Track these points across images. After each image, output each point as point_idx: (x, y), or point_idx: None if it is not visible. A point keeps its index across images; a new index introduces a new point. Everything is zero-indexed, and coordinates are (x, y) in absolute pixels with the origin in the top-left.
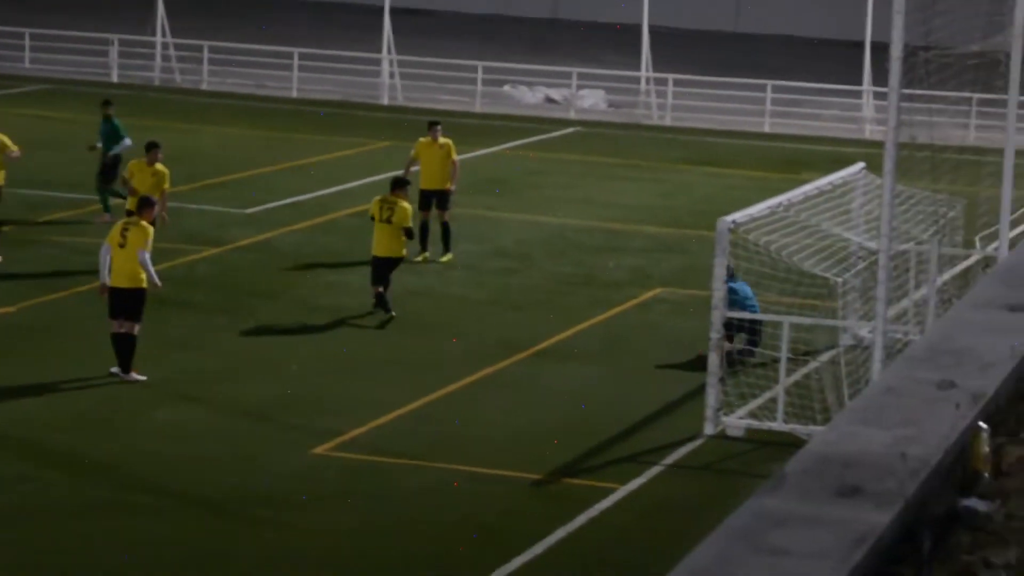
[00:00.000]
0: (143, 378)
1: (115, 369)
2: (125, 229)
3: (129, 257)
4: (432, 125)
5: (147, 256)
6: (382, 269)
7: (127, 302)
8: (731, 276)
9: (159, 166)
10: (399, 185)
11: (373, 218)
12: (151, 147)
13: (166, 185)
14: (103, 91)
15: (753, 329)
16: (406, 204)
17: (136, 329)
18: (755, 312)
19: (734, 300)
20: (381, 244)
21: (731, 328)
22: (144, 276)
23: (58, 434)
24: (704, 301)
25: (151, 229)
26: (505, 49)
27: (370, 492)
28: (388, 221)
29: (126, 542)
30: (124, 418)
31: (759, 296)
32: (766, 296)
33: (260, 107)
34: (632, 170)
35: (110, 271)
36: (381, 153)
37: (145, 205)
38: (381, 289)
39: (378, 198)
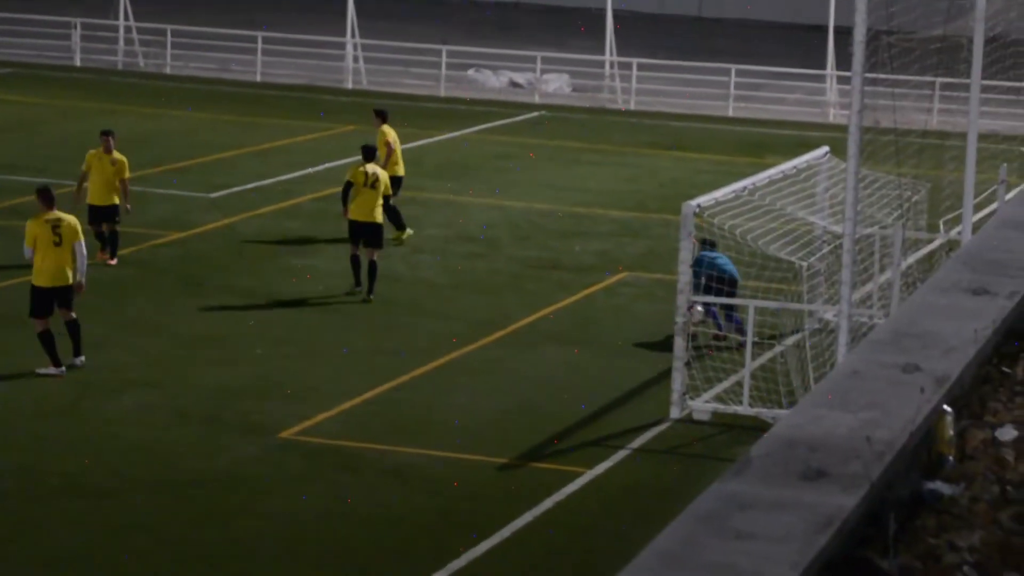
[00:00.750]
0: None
1: (42, 370)
2: (55, 227)
3: (65, 254)
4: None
5: (84, 247)
6: (363, 233)
7: (67, 296)
8: (710, 245)
9: (117, 154)
10: (373, 154)
11: (351, 184)
12: (105, 134)
13: (126, 174)
14: (67, 75)
15: (731, 303)
16: (384, 172)
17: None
18: (734, 279)
19: (713, 268)
20: (364, 209)
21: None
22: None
23: (20, 419)
24: (669, 285)
25: (75, 218)
26: (469, 33)
27: (336, 477)
28: (373, 187)
29: (90, 527)
30: (88, 403)
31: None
32: None
33: (224, 91)
34: (597, 154)
35: (41, 272)
36: (345, 137)
37: (47, 196)
38: (357, 253)
39: (359, 167)
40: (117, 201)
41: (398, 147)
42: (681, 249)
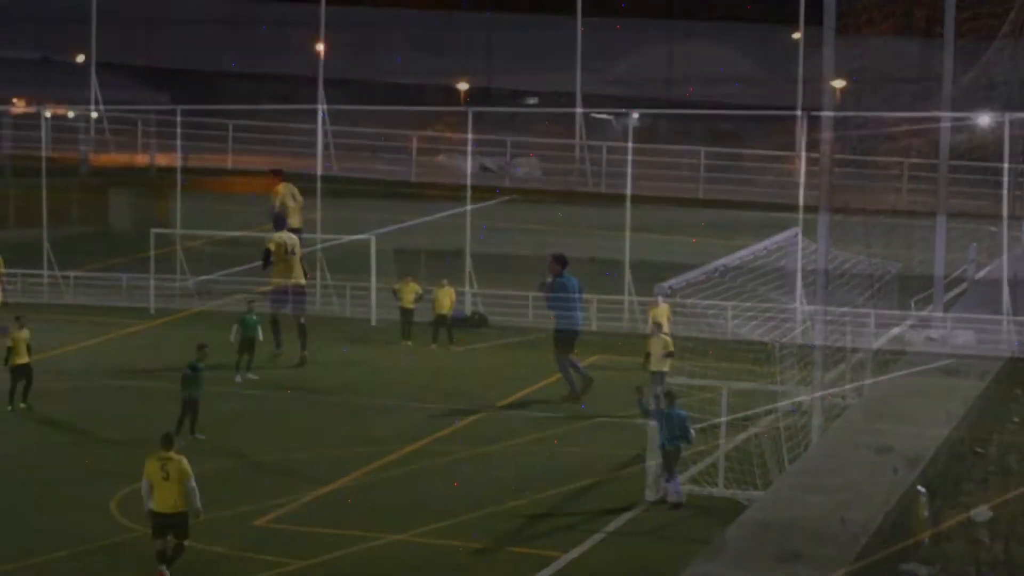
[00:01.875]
0: None
1: None
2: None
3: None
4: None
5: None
6: (300, 296)
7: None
8: (564, 264)
9: None
10: (282, 223)
11: (270, 259)
12: None
13: (1, 269)
14: (36, 164)
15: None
16: (294, 237)
17: None
18: (579, 310)
19: (566, 292)
20: (287, 274)
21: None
22: None
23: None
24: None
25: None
26: (440, 119)
27: (311, 563)
28: (293, 252)
29: None
30: (59, 495)
31: (699, 362)
32: (704, 362)
33: (194, 179)
34: (567, 236)
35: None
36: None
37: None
38: (303, 320)
39: (277, 239)
40: None
41: (290, 201)
42: (651, 334)
